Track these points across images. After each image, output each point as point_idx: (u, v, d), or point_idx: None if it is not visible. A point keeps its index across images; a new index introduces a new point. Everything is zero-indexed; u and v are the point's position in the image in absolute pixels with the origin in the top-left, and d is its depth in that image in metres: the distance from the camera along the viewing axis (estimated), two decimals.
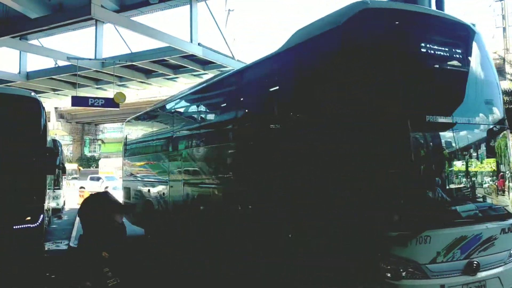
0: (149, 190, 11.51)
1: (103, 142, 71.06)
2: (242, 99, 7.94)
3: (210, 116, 9.17)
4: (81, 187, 39.33)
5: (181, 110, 10.56)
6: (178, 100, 10.72)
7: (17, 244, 10.00)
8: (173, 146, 10.28)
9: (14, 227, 9.72)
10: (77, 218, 16.96)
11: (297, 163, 5.67)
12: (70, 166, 48.47)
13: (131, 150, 13.90)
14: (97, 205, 2.92)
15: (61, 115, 58.95)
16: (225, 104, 8.69)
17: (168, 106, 11.28)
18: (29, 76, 22.99)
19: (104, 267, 2.59)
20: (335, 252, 4.92)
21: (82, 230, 2.92)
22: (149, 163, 11.79)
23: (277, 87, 6.71)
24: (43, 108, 10.91)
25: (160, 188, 10.77)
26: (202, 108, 9.41)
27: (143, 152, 12.57)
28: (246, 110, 7.72)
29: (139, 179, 12.58)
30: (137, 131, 13.76)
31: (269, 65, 7.03)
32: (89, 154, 67.78)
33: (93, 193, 18.10)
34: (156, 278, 7.99)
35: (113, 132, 78.09)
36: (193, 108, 9.84)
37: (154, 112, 12.29)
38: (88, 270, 2.60)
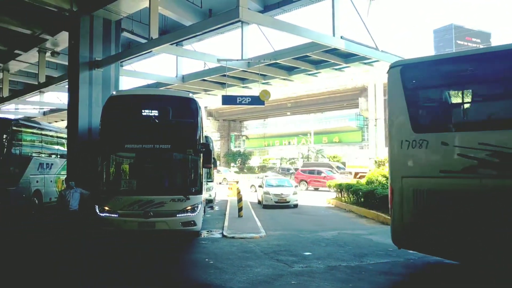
0: None
1: (247, 137, 74.73)
2: None
3: None
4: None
5: None
6: None
7: (181, 231, 11.12)
8: None
9: (177, 215, 10.83)
10: (228, 210, 18.20)
11: None
12: None
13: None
14: None
15: (210, 114, 63.64)
16: None
17: None
18: (184, 78, 25.20)
19: None
20: None
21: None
22: None
23: None
24: (200, 107, 11.92)
25: None
26: None
27: None
28: None
29: None
30: None
31: None
32: (234, 149, 71.89)
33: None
34: None
35: (256, 128, 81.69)
36: None
37: None
38: None
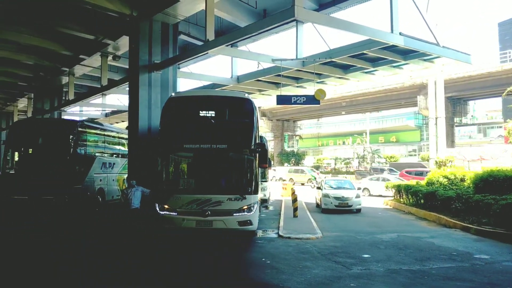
0: None
1: (301, 137, 74.29)
2: None
3: None
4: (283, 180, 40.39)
5: None
6: None
7: (238, 231, 11.22)
8: None
9: (234, 214, 10.92)
10: (283, 210, 18.14)
11: None
12: None
13: None
14: None
15: (263, 114, 63.84)
16: None
17: None
18: (239, 79, 25.43)
19: None
20: None
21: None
22: None
23: None
24: (255, 107, 11.95)
25: None
26: None
27: None
28: None
29: None
30: None
31: None
32: (288, 149, 71.72)
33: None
34: None
35: (309, 128, 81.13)
36: None
37: None
38: None
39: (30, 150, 17.81)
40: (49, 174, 16.03)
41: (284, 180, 42.42)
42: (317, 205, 20.54)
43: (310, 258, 9.45)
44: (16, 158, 17.99)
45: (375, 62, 23.22)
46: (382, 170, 39.70)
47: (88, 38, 20.30)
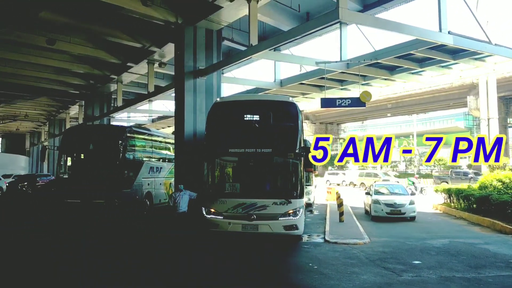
0: None
1: (344, 140, 73.20)
2: None
3: None
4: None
5: None
6: None
7: (284, 235, 11.20)
8: None
9: (280, 219, 10.92)
10: (328, 214, 17.89)
11: None
12: None
13: None
14: None
15: (306, 117, 63.40)
16: None
17: None
18: (282, 83, 25.36)
19: None
20: None
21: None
22: None
23: None
24: (300, 111, 11.91)
25: None
26: None
27: None
28: None
29: None
30: None
31: None
32: (332, 153, 70.80)
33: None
34: None
35: (354, 130, 79.84)
36: None
37: None
38: None
39: (82, 156, 18.47)
40: (100, 178, 16.54)
41: (354, 185, 41.21)
42: (366, 212, 19.36)
43: (358, 263, 9.26)
44: (69, 163, 18.70)
45: (423, 62, 22.57)
46: (466, 174, 36.33)
47: (135, 46, 20.92)
